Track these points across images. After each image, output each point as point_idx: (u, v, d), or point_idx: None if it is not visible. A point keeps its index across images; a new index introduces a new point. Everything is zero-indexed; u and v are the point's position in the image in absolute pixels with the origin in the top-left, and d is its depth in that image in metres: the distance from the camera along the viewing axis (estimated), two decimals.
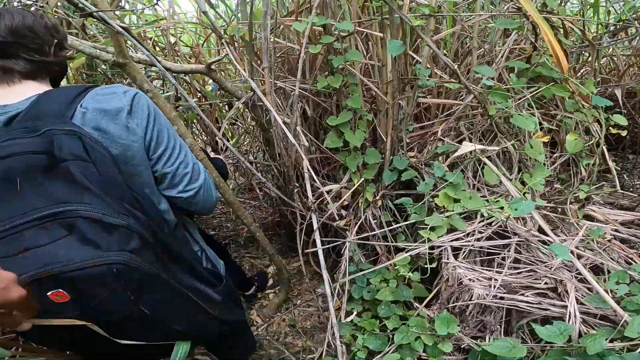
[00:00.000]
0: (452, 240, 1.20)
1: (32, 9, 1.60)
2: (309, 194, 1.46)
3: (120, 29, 1.15)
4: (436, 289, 1.31)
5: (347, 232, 1.63)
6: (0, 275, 0.64)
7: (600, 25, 1.66)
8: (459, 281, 1.14)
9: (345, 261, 1.56)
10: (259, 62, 1.64)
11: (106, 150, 0.79)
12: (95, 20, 1.80)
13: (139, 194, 0.83)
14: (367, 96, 1.69)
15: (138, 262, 0.72)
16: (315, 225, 1.51)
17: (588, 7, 1.71)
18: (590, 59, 1.84)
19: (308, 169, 1.31)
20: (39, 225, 0.68)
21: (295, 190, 1.45)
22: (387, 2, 1.21)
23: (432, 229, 1.23)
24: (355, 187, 1.53)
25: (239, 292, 1.92)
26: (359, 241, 1.53)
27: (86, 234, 0.69)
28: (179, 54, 1.95)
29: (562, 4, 1.54)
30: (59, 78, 0.99)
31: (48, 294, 0.67)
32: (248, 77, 1.25)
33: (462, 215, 1.25)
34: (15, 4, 1.57)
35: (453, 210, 1.20)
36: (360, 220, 1.59)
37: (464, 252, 1.21)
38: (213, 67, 1.57)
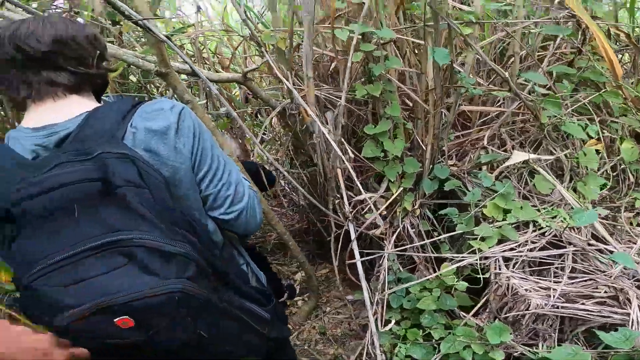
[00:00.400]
0: (504, 251, 1.18)
1: (64, 15, 1.58)
2: (346, 203, 1.45)
3: (164, 38, 1.13)
4: (484, 299, 1.29)
5: (383, 241, 1.61)
6: (38, 342, 0.62)
7: (636, 28, 1.66)
8: (514, 291, 1.12)
9: (384, 271, 1.54)
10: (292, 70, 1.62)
11: (159, 174, 0.77)
12: (131, 29, 1.79)
13: (190, 218, 0.81)
14: (400, 104, 1.67)
15: (197, 290, 0.71)
16: (352, 235, 1.50)
17: (620, 8, 1.71)
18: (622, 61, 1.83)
19: (351, 179, 1.29)
20: (96, 254, 0.67)
21: (337, 201, 1.43)
22: (434, 10, 1.20)
23: (482, 239, 1.21)
24: (394, 196, 1.51)
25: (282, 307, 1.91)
26: (399, 252, 1.51)
27: (145, 262, 0.67)
28: (207, 62, 1.93)
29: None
30: (101, 91, 0.96)
31: (115, 320, 0.66)
32: (291, 87, 1.23)
33: (512, 225, 1.23)
34: (51, 11, 1.54)
35: (504, 220, 1.18)
36: (398, 230, 1.57)
37: (515, 262, 1.19)
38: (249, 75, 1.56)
